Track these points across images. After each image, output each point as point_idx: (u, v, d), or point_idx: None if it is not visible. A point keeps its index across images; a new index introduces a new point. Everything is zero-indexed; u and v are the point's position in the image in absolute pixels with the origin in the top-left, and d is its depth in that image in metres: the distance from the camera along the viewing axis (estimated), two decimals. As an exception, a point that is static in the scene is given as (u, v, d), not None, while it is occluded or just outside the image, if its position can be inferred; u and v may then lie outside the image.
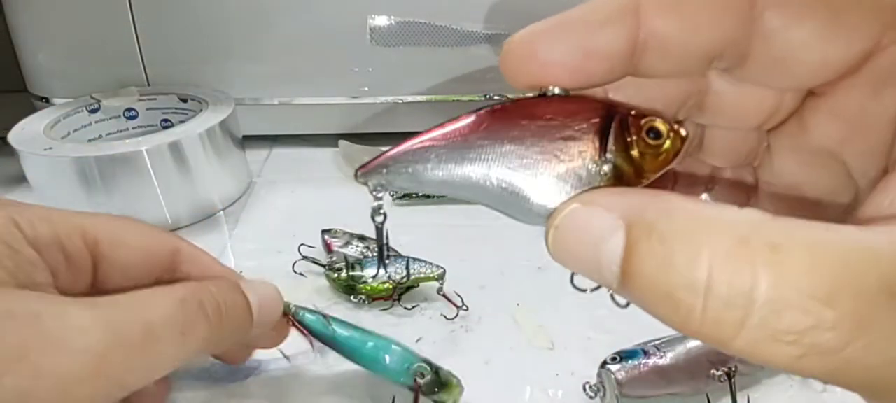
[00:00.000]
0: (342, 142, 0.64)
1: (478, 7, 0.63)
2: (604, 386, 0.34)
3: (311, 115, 0.66)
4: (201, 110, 0.57)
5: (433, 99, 0.67)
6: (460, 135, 0.19)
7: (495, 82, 0.67)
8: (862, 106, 0.16)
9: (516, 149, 0.19)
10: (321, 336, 0.35)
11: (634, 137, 0.18)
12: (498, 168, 0.19)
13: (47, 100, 0.63)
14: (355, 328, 0.36)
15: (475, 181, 0.19)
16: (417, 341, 0.40)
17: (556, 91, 0.19)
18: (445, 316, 0.42)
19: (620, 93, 0.19)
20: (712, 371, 0.32)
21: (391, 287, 0.42)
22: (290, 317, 0.36)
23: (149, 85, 0.63)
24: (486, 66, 0.65)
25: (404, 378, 0.34)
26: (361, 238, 0.48)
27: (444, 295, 0.43)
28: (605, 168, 0.18)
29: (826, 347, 0.12)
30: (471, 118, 0.19)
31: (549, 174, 0.18)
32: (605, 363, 0.34)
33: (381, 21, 0.62)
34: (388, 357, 0.34)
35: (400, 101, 0.67)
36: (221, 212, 0.56)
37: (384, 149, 0.19)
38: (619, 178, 0.18)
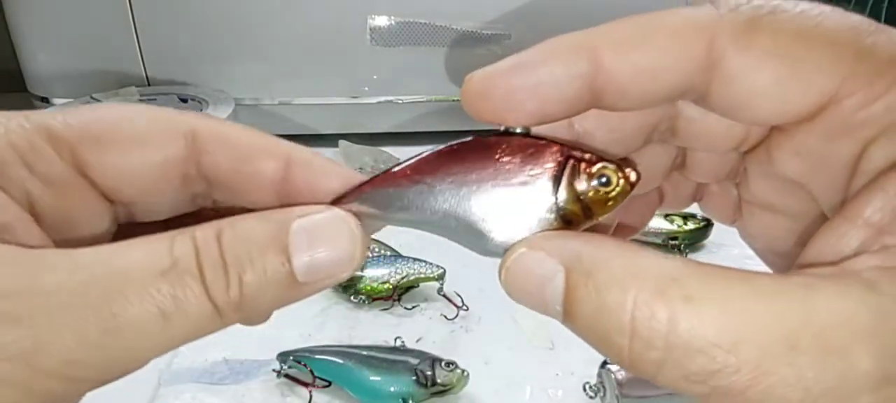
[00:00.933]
0: (342, 142, 0.64)
1: (478, 7, 0.63)
2: (604, 386, 0.34)
3: (311, 115, 0.66)
4: (201, 110, 0.57)
5: (433, 99, 0.67)
6: (424, 177, 0.20)
7: (495, 82, 0.67)
8: (820, 149, 0.17)
9: (475, 193, 0.20)
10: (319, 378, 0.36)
11: (585, 185, 0.19)
12: (458, 210, 0.20)
13: (47, 101, 0.63)
14: (343, 367, 0.35)
15: (437, 222, 0.21)
16: (418, 341, 0.40)
17: (518, 129, 0.20)
18: (446, 316, 0.42)
19: (586, 121, 0.20)
20: None
21: (391, 287, 0.42)
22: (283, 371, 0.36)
23: (149, 85, 0.63)
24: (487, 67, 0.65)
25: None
26: (361, 238, 0.48)
27: (444, 295, 0.43)
28: (555, 212, 0.20)
29: (730, 389, 0.13)
30: (434, 157, 0.20)
31: (504, 217, 0.20)
32: (605, 363, 0.34)
33: (381, 21, 0.62)
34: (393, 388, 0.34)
35: (400, 101, 0.67)
36: (221, 212, 0.56)
37: (356, 183, 0.21)
38: (568, 221, 0.20)
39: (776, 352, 0.13)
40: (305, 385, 0.35)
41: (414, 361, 0.35)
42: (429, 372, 0.34)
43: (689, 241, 0.49)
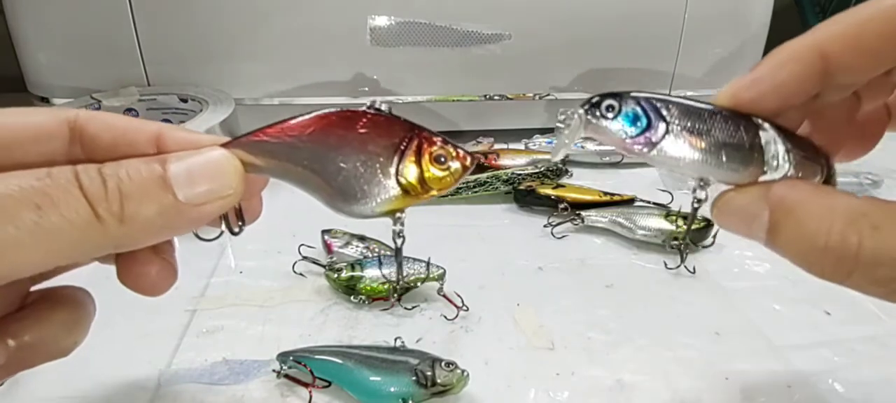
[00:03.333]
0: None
1: (478, 7, 0.63)
2: (574, 118, 0.25)
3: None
4: (201, 110, 0.57)
5: (433, 99, 0.67)
6: (291, 134, 0.22)
7: (495, 81, 0.67)
8: None
9: (331, 155, 0.22)
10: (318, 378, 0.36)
11: (425, 161, 0.22)
12: (314, 167, 0.22)
13: (47, 101, 0.63)
14: (344, 366, 0.35)
15: (299, 175, 0.23)
16: (418, 341, 0.40)
17: (383, 107, 0.23)
18: (445, 317, 0.42)
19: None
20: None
21: (391, 287, 0.42)
22: (283, 372, 0.36)
23: (149, 85, 0.63)
24: (486, 66, 0.65)
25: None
26: (361, 238, 0.48)
27: (444, 296, 0.43)
28: (395, 180, 0.23)
29: None
30: (305, 120, 0.23)
31: (352, 179, 0.23)
32: (592, 106, 0.24)
33: (381, 21, 0.62)
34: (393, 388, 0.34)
35: (400, 101, 0.67)
36: (221, 212, 0.56)
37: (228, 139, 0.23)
38: (407, 192, 0.23)
39: None
40: (305, 385, 0.35)
41: (414, 361, 0.35)
42: (429, 372, 0.34)
43: (689, 242, 0.49)
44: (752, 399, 0.36)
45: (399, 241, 0.26)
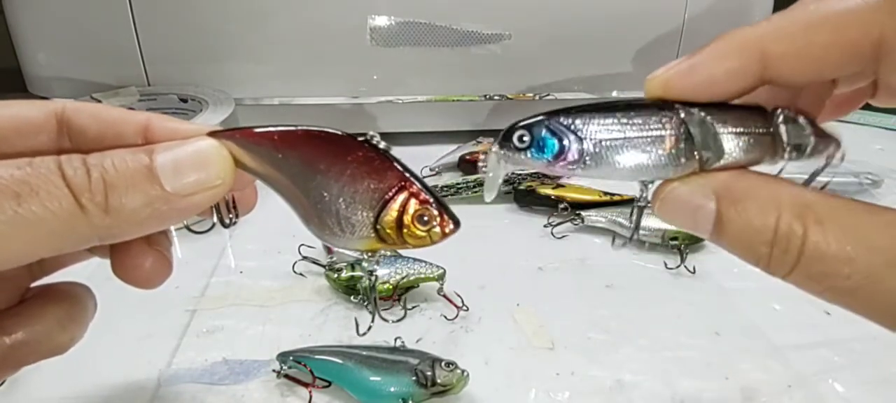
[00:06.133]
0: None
1: (478, 7, 0.63)
2: (496, 156, 0.24)
3: (311, 115, 0.66)
4: (201, 110, 0.57)
5: (433, 99, 0.67)
6: (283, 145, 0.22)
7: (495, 81, 0.67)
8: None
9: (317, 179, 0.22)
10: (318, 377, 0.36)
11: (407, 216, 0.22)
12: (298, 183, 0.22)
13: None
14: (343, 366, 0.35)
15: (281, 187, 0.23)
16: (418, 341, 0.40)
17: (381, 145, 0.22)
18: (446, 317, 0.42)
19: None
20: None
21: (391, 287, 0.42)
22: (282, 371, 0.36)
23: (149, 85, 0.63)
24: (486, 66, 0.65)
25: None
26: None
27: (444, 296, 0.43)
28: (372, 225, 0.22)
29: (841, 289, 0.18)
30: (301, 133, 0.22)
31: (332, 209, 0.22)
32: (508, 137, 0.22)
33: (381, 21, 0.62)
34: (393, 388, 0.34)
35: (400, 101, 0.67)
36: (221, 212, 0.56)
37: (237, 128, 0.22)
38: (382, 238, 0.23)
39: (883, 270, 0.18)
40: (305, 385, 0.35)
41: (414, 361, 0.35)
42: (429, 372, 0.34)
43: (689, 242, 0.49)
44: (752, 399, 0.36)
45: (372, 279, 0.27)
